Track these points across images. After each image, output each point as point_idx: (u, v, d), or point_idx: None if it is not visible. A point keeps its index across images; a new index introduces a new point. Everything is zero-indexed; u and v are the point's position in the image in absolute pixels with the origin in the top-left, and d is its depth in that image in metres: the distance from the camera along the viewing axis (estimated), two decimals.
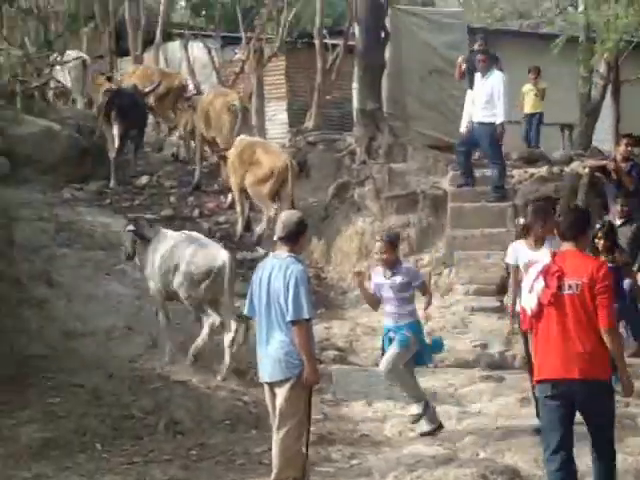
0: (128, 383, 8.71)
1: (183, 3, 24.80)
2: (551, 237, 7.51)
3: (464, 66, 13.76)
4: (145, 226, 9.82)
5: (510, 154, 14.33)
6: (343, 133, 16.10)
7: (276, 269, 6.31)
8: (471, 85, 13.44)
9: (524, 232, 8.04)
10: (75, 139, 14.43)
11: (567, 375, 5.64)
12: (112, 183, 14.27)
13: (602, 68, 15.05)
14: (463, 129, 13.30)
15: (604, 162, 11.45)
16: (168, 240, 9.53)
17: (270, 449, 6.53)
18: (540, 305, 5.71)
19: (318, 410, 8.49)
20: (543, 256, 6.89)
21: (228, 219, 13.76)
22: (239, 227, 13.03)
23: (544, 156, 14.63)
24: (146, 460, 7.55)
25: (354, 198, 13.71)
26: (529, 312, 5.82)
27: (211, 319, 9.22)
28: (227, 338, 9.18)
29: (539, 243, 7.81)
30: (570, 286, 5.65)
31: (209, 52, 18.55)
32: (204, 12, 23.29)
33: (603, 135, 16.13)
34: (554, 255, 5.86)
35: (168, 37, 19.97)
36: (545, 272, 5.73)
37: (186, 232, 9.98)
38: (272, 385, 6.40)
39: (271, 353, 6.34)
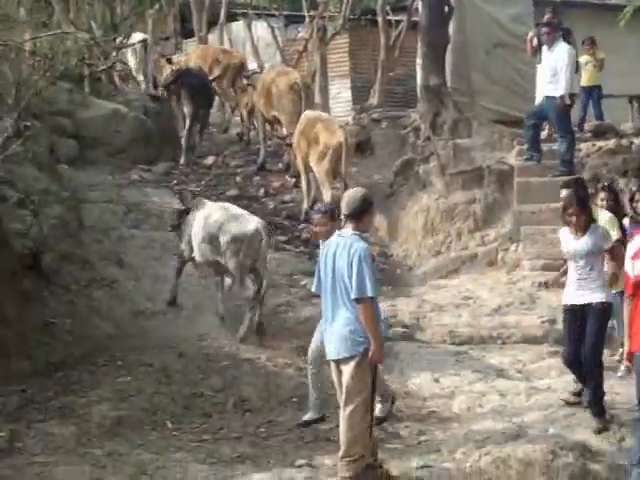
0: (197, 362, 8.82)
1: None
2: (595, 226, 7.51)
3: (535, 41, 13.50)
4: (188, 197, 10.32)
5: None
6: (407, 110, 16.03)
7: (341, 247, 6.33)
8: (541, 59, 13.25)
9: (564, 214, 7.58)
10: (142, 121, 14.59)
11: None
12: (182, 160, 14.52)
13: None
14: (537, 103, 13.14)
15: None
16: (206, 209, 9.84)
17: (338, 426, 6.56)
18: None
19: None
20: (584, 245, 7.44)
21: (294, 198, 13.81)
22: (305, 205, 13.05)
23: (612, 128, 14.38)
24: (215, 438, 7.66)
25: (419, 175, 13.64)
26: (632, 278, 6.13)
27: (246, 292, 9.58)
28: (252, 303, 9.52)
29: (580, 232, 7.49)
30: None
31: (272, 31, 18.59)
32: None
33: None
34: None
35: (232, 17, 20.05)
36: None
37: (223, 203, 10.32)
38: (338, 362, 6.42)
39: (337, 330, 6.37)
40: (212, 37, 19.73)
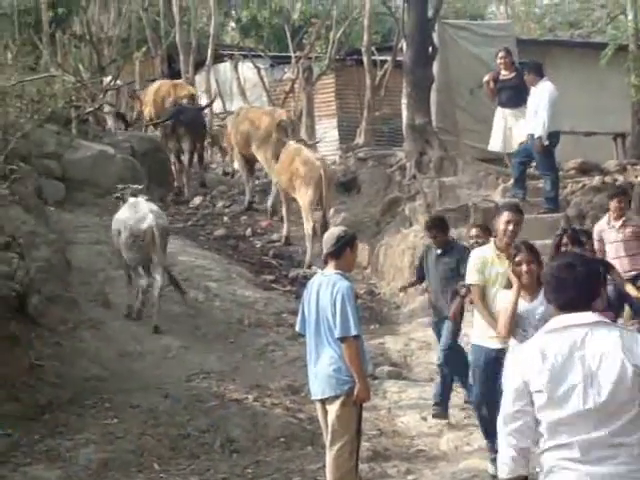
0: (184, 402, 8.79)
1: (233, 24, 25.06)
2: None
3: (492, 84, 13.50)
4: (126, 194, 10.90)
5: (562, 164, 14.23)
6: (393, 148, 16.16)
7: (324, 286, 6.36)
8: (498, 101, 13.34)
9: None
10: (129, 162, 14.68)
11: None
12: (186, 193, 15.31)
13: None
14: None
15: None
16: (122, 208, 10.67)
17: (324, 466, 6.55)
18: None
19: (373, 426, 8.51)
20: (535, 309, 6.20)
21: (281, 237, 13.87)
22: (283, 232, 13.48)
23: (597, 166, 14.51)
24: (203, 479, 7.62)
25: (405, 213, 13.71)
26: None
27: (141, 281, 10.37)
28: (156, 291, 10.25)
29: (530, 292, 6.34)
30: None
31: (259, 72, 18.74)
32: (254, 32, 23.53)
33: None
34: None
35: (219, 58, 20.21)
36: None
37: (137, 200, 10.77)
38: (324, 402, 6.44)
39: (321, 370, 6.38)
40: (199, 78, 19.87)
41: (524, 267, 6.25)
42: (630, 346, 3.70)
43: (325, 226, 12.64)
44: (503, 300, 6.43)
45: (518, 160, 12.82)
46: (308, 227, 12.89)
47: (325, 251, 6.50)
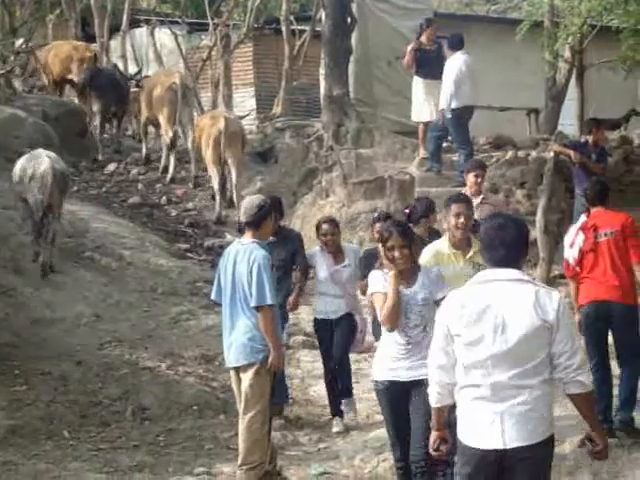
0: (96, 370, 8.70)
1: None
2: (426, 269, 5.92)
3: (413, 54, 13.45)
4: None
5: (477, 138, 14.40)
6: (311, 119, 16.14)
7: (240, 255, 6.35)
8: (418, 72, 13.36)
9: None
10: (40, 126, 14.35)
11: (608, 298, 7.11)
12: (100, 157, 15.10)
13: (566, 53, 15.13)
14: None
15: (568, 151, 11.46)
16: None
17: (237, 434, 6.56)
18: (582, 253, 7.23)
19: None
20: (416, 295, 5.78)
21: (196, 205, 13.79)
22: (217, 204, 13.40)
23: (510, 140, 14.73)
24: (113, 446, 7.57)
25: (322, 184, 13.75)
26: (572, 262, 7.31)
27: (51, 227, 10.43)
28: (51, 233, 10.43)
29: (407, 278, 5.83)
30: (605, 234, 7.22)
31: (176, 38, 18.47)
32: None
33: (568, 119, 16.24)
34: (588, 214, 7.36)
35: (135, 23, 19.85)
36: (583, 228, 7.29)
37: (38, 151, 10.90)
38: (237, 370, 6.44)
39: (236, 338, 6.38)
40: (114, 43, 19.51)
41: (396, 252, 5.69)
42: (544, 302, 4.17)
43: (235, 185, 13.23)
44: (375, 286, 5.84)
45: (433, 134, 12.92)
46: (215, 182, 13.29)
47: (243, 219, 6.47)
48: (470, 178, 8.83)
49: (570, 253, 7.35)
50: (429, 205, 7.87)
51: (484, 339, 4.18)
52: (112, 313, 10.02)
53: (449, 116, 12.32)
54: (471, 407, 4.23)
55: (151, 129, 15.64)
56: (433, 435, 4.52)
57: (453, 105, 12.30)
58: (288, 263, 8.17)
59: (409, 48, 13.38)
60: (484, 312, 4.20)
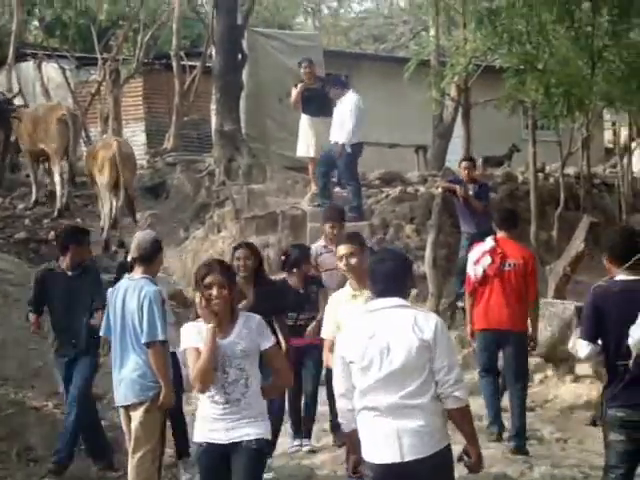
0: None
1: (36, 22, 24.31)
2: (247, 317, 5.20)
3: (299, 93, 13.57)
4: None
5: (367, 174, 14.59)
6: (202, 154, 16.12)
7: (130, 290, 6.26)
8: (304, 109, 13.43)
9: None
10: None
11: (506, 327, 7.77)
12: None
13: (453, 91, 15.48)
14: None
15: (453, 187, 11.76)
16: None
17: (127, 473, 6.44)
18: (486, 275, 7.82)
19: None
20: (235, 346, 5.07)
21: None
22: (105, 229, 13.22)
23: (400, 177, 14.97)
24: None
25: (214, 219, 13.70)
26: (473, 278, 7.90)
27: None
28: None
29: (224, 325, 5.10)
30: (510, 264, 7.81)
31: (64, 73, 18.25)
32: (58, 32, 22.88)
33: (456, 156, 16.58)
34: (495, 239, 7.90)
35: (21, 57, 19.53)
36: (491, 252, 7.85)
37: None
38: (127, 408, 6.33)
39: (126, 375, 6.27)
40: (0, 77, 19.15)
41: (214, 291, 5.00)
42: (421, 324, 4.50)
43: (130, 208, 13.21)
44: (188, 340, 5.13)
45: (322, 169, 13.02)
46: (106, 208, 13.13)
47: (135, 254, 6.39)
48: (326, 229, 8.48)
49: (473, 270, 7.91)
50: (303, 253, 7.87)
51: (373, 363, 4.49)
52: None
53: (349, 150, 12.45)
54: (370, 427, 4.52)
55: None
56: (351, 459, 4.81)
57: (353, 140, 12.44)
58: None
59: (296, 89, 13.47)
60: (371, 338, 4.52)
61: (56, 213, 14.11)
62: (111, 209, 13.13)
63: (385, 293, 4.61)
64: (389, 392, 4.45)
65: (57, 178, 14.15)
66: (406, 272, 4.75)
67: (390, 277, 4.61)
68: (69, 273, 7.49)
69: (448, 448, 4.51)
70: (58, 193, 14.13)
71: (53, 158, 14.17)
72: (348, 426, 4.69)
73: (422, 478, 4.44)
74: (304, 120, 13.50)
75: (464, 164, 11.90)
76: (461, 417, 4.50)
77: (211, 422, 5.06)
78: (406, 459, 4.40)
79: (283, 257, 7.90)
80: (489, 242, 7.96)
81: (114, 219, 13.27)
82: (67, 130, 14.02)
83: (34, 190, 14.67)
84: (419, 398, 4.43)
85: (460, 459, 4.63)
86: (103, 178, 13.10)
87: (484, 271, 7.81)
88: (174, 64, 17.18)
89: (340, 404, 4.69)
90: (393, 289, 4.61)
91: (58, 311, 7.63)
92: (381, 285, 4.62)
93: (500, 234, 7.98)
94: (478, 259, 7.87)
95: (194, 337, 5.07)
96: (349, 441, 4.79)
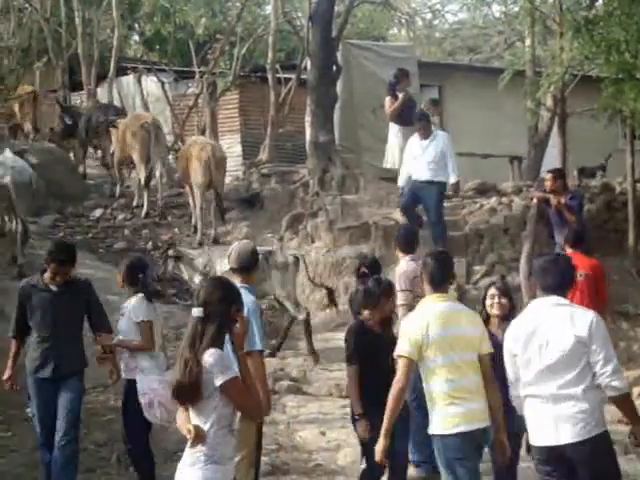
0: (80, 416, 8.64)
1: (137, 37, 24.89)
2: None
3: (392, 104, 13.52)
4: None
5: (461, 185, 14.48)
6: (296, 165, 16.26)
7: None
8: (400, 122, 13.39)
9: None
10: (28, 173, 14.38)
11: None
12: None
13: (549, 101, 15.33)
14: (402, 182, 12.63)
15: (547, 196, 11.59)
16: None
17: None
18: None
19: (272, 440, 8.52)
20: None
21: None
22: (198, 234, 13.69)
23: (494, 187, 14.87)
24: None
25: (307, 229, 13.80)
26: None
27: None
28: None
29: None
30: (580, 275, 8.30)
31: (162, 86, 18.64)
32: (157, 46, 23.40)
33: (551, 166, 16.41)
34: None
35: (122, 71, 20.03)
36: None
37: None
38: None
39: None
40: (101, 90, 19.66)
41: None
42: (577, 321, 5.00)
43: (220, 206, 13.76)
44: None
45: (411, 214, 12.32)
46: (197, 205, 13.75)
47: (234, 265, 6.47)
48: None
49: None
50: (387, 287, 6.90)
51: (533, 358, 5.08)
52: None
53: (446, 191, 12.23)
54: (534, 413, 5.11)
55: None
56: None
57: (442, 179, 12.08)
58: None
59: (396, 104, 13.46)
60: (532, 334, 5.12)
61: (143, 215, 14.61)
62: (202, 208, 13.68)
63: (547, 291, 5.19)
64: (548, 383, 5.00)
65: (142, 183, 14.80)
66: (567, 272, 5.32)
67: (551, 276, 5.20)
68: (53, 289, 7.06)
69: (604, 435, 4.99)
70: (145, 201, 14.72)
71: (137, 162, 14.76)
72: (519, 409, 5.30)
73: (580, 461, 4.93)
74: (393, 129, 13.50)
75: (546, 175, 11.75)
76: (621, 404, 4.98)
77: None
78: (562, 442, 4.92)
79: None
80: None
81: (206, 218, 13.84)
82: (149, 137, 14.50)
83: (117, 190, 15.52)
84: (574, 388, 4.93)
85: (629, 437, 5.15)
86: (198, 178, 13.59)
87: None
88: (269, 77, 17.39)
89: (512, 391, 5.31)
90: (554, 288, 5.19)
91: (40, 328, 7.09)
92: (544, 283, 5.21)
93: (569, 251, 9.02)
94: None
95: None
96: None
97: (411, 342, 5.58)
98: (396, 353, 5.67)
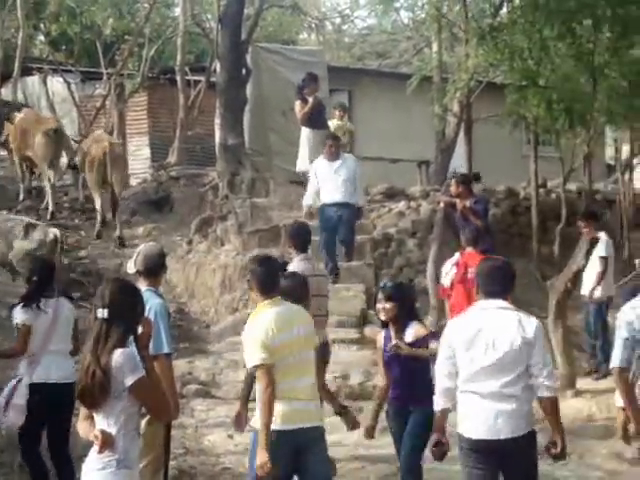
0: None
1: (42, 37, 24.46)
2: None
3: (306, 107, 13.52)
4: None
5: (370, 189, 14.65)
6: (206, 168, 16.20)
7: None
8: (311, 125, 13.27)
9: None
10: None
11: None
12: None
13: (455, 107, 15.58)
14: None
15: (453, 200, 11.76)
16: None
17: None
18: (452, 283, 9.63)
19: (180, 444, 8.48)
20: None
21: (89, 254, 13.63)
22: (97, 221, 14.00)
23: (402, 191, 15.04)
24: None
25: (217, 233, 13.76)
26: (446, 286, 9.74)
27: None
28: None
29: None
30: (472, 271, 8.33)
31: (69, 87, 18.36)
32: (64, 47, 23.02)
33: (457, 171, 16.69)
34: (462, 253, 9.68)
35: (27, 71, 19.65)
36: (457, 264, 9.64)
37: None
38: None
39: None
40: (5, 91, 19.27)
41: None
42: (525, 325, 5.25)
43: (115, 205, 13.86)
44: None
45: (327, 237, 11.82)
46: (97, 203, 13.91)
47: (141, 267, 6.43)
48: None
49: (444, 281, 9.84)
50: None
51: (478, 355, 5.24)
52: (3, 362, 9.77)
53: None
54: (472, 407, 5.24)
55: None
56: (435, 436, 5.40)
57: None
58: None
59: (306, 108, 13.40)
60: (479, 332, 5.26)
61: (49, 217, 14.38)
62: (101, 205, 13.87)
63: (492, 295, 5.35)
64: (490, 381, 5.19)
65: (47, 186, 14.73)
66: (510, 278, 5.48)
67: (497, 281, 5.39)
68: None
69: (534, 432, 5.27)
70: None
71: (39, 163, 14.72)
72: (440, 404, 5.34)
73: (514, 455, 5.20)
74: (304, 132, 13.47)
75: (453, 181, 11.87)
76: (550, 406, 5.23)
77: None
78: (502, 437, 5.15)
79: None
80: (455, 256, 9.87)
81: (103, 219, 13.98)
82: (51, 143, 14.42)
83: (21, 192, 15.47)
84: (514, 387, 5.18)
85: (547, 449, 5.27)
86: (92, 175, 13.75)
87: (451, 281, 9.68)
88: (178, 79, 17.29)
89: (441, 383, 5.34)
90: (498, 292, 5.37)
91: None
92: (489, 288, 5.38)
93: (467, 250, 9.68)
94: (447, 272, 9.82)
95: None
96: (439, 419, 5.38)
97: (263, 349, 5.51)
98: (251, 365, 5.57)
